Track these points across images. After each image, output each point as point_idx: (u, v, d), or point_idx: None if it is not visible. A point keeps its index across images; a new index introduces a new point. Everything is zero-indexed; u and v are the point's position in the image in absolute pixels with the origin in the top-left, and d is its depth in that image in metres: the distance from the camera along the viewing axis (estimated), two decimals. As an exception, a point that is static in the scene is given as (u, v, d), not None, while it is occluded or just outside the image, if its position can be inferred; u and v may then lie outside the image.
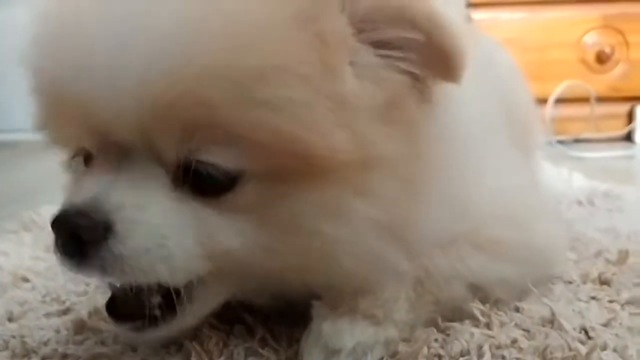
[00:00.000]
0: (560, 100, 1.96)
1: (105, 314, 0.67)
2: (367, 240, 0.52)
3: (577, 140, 2.03)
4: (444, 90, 0.54)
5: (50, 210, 1.17)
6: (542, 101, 1.75)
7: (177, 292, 0.51)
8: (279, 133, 0.46)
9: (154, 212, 0.48)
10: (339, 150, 0.48)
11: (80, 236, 0.47)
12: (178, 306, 0.52)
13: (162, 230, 0.48)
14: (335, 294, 0.55)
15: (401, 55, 0.51)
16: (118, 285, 0.53)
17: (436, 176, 0.56)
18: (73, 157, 0.56)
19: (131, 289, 0.51)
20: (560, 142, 1.94)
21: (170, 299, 0.52)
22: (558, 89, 1.88)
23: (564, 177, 1.28)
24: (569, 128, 2.03)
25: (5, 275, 0.86)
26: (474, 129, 0.64)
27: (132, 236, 0.47)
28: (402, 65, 0.51)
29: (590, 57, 2.06)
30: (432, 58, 0.50)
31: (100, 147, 0.51)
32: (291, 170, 0.48)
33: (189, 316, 0.55)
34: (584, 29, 2.07)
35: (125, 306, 0.54)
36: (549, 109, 1.89)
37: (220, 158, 0.47)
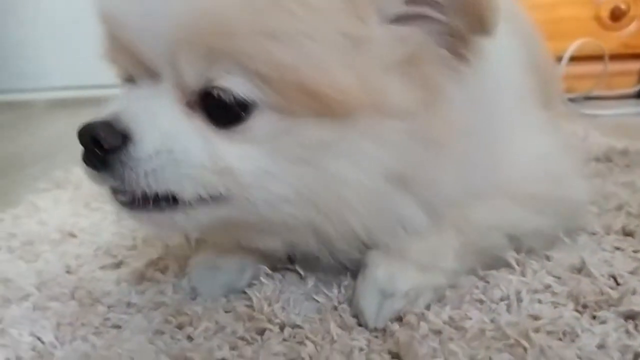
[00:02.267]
0: (572, 58, 1.96)
1: (160, 265, 0.73)
2: (376, 185, 0.54)
3: (588, 98, 2.05)
4: (478, 53, 0.54)
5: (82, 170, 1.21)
6: (555, 59, 1.76)
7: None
8: (287, 67, 0.48)
9: (167, 123, 0.52)
10: (345, 92, 0.49)
11: (101, 144, 0.50)
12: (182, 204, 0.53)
13: (172, 137, 0.51)
14: (385, 243, 0.58)
15: (436, 2, 0.51)
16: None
17: (464, 140, 0.56)
18: (123, 82, 0.60)
19: None
20: (571, 99, 1.96)
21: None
22: (571, 48, 1.88)
23: (580, 135, 1.31)
24: (579, 86, 2.04)
25: (52, 231, 0.90)
26: (507, 91, 0.67)
27: (145, 141, 0.51)
28: (435, 14, 0.52)
29: (605, 14, 2.06)
30: (467, 10, 0.51)
31: (137, 70, 0.55)
32: (302, 105, 0.50)
33: (189, 219, 0.55)
34: (598, -15, 2.06)
35: None
36: (562, 67, 1.90)
37: (235, 86, 0.50)
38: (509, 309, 0.58)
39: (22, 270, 0.76)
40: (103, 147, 0.50)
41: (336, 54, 0.49)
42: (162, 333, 0.59)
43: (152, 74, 0.54)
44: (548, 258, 0.68)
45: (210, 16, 0.48)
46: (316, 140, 0.51)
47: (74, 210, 1.01)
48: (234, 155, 0.51)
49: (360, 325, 0.58)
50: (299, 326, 0.58)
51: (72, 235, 0.89)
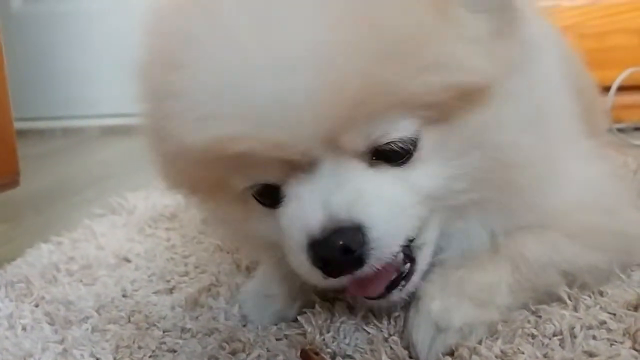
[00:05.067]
0: (621, 88, 1.93)
1: (212, 291, 0.75)
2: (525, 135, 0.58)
3: (637, 129, 2.01)
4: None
5: (135, 196, 1.25)
6: (603, 89, 1.73)
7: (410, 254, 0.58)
8: (441, 84, 0.50)
9: (374, 192, 0.53)
10: (485, 74, 0.52)
11: (350, 249, 0.51)
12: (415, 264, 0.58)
13: (388, 200, 0.53)
14: (443, 276, 0.60)
15: None
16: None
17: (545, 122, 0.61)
18: (236, 198, 0.58)
19: None
20: (620, 130, 1.92)
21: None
22: (620, 77, 1.86)
23: (631, 167, 1.28)
24: (628, 116, 2.00)
25: (109, 255, 0.94)
26: (555, 114, 0.67)
27: (376, 219, 0.52)
28: None
29: (654, 43, 2.03)
30: None
31: (284, 174, 0.53)
32: (456, 110, 0.53)
33: (419, 274, 0.59)
34: (646, 14, 2.03)
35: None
36: (611, 97, 1.87)
37: (404, 132, 0.52)
38: (562, 344, 0.58)
39: (82, 293, 0.79)
40: (352, 250, 0.51)
41: (469, 51, 0.51)
42: (217, 359, 0.61)
43: (301, 168, 0.52)
44: (602, 294, 0.67)
45: (370, 81, 0.47)
46: (474, 126, 0.54)
47: (129, 236, 1.04)
48: (423, 182, 0.55)
49: (411, 357, 0.58)
50: (350, 356, 0.59)
51: (127, 260, 0.92)
